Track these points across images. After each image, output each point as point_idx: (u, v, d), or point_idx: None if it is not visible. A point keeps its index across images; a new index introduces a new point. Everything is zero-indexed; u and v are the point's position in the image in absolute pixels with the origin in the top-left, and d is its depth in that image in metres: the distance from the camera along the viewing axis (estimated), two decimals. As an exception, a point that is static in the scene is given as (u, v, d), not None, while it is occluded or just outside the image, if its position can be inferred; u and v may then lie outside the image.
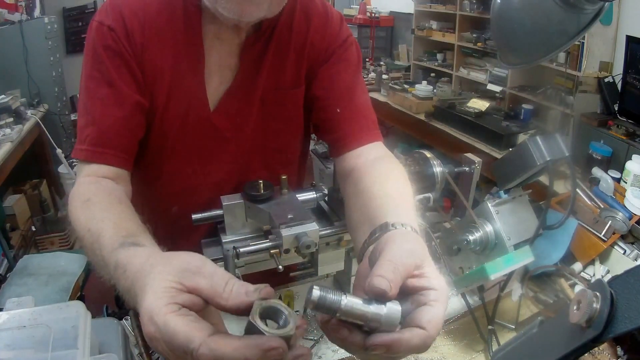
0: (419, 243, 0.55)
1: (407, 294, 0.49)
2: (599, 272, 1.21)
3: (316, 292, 0.43)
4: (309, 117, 0.97)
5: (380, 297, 0.45)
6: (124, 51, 0.78)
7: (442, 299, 0.48)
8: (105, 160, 0.78)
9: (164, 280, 0.45)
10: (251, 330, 0.42)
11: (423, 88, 3.62)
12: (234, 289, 0.44)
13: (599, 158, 2.42)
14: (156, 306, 0.43)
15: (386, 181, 0.74)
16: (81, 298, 2.00)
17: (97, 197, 0.70)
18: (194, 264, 0.46)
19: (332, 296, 0.43)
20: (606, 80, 2.71)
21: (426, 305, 0.47)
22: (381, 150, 0.87)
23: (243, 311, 0.43)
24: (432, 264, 0.52)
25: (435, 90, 3.65)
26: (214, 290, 0.44)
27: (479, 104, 3.16)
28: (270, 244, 0.76)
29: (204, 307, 0.45)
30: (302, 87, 0.92)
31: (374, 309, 0.44)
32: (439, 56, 4.24)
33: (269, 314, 0.44)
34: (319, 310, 0.43)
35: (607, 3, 0.82)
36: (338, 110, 0.88)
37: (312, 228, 0.73)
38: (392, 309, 0.45)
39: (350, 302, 0.44)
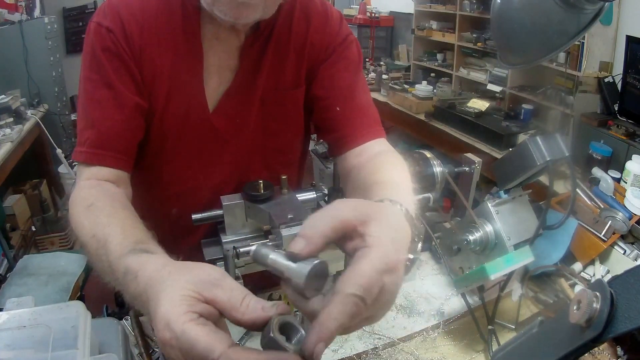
0: (375, 207, 0.51)
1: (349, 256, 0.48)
2: (599, 272, 1.21)
3: (253, 249, 0.47)
4: (309, 117, 0.97)
5: (294, 255, 0.45)
6: (122, 53, 0.78)
7: (374, 256, 0.45)
8: (105, 163, 0.78)
9: (181, 288, 0.45)
10: (270, 345, 0.43)
11: (423, 88, 3.63)
12: (251, 304, 0.44)
13: (599, 158, 2.42)
14: (174, 313, 0.43)
15: (379, 170, 0.74)
16: (81, 298, 2.00)
17: (100, 202, 0.69)
18: (213, 275, 0.47)
19: (263, 251, 0.46)
20: (606, 80, 2.71)
21: (350, 265, 0.45)
22: (382, 146, 0.87)
23: (257, 326, 0.44)
24: (383, 222, 0.48)
25: (435, 90, 3.66)
26: (231, 303, 0.44)
27: (479, 104, 3.16)
28: (270, 244, 0.76)
29: (219, 319, 0.45)
30: (303, 88, 0.92)
31: (288, 265, 0.45)
32: (439, 56, 4.24)
33: (284, 330, 0.44)
34: (258, 264, 0.47)
35: (607, 3, 0.82)
36: (338, 109, 0.88)
37: (312, 228, 0.73)
38: (299, 266, 0.45)
39: (276, 259, 0.46)
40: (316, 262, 0.45)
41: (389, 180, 0.70)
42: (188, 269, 0.48)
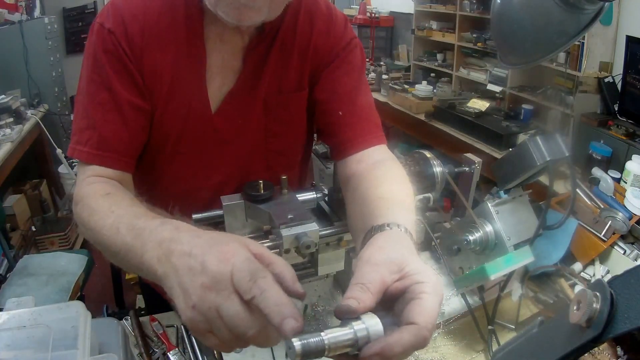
0: (398, 245, 0.56)
1: (394, 299, 0.49)
2: (599, 272, 1.21)
3: (298, 344, 0.42)
4: (312, 120, 0.97)
5: (351, 314, 0.45)
6: (123, 55, 0.78)
7: (430, 290, 0.48)
8: (108, 164, 0.79)
9: (246, 244, 0.49)
10: None
11: (423, 88, 3.62)
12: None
13: (599, 158, 2.42)
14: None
15: (381, 185, 0.75)
16: (81, 298, 2.00)
17: (118, 192, 0.72)
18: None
19: (313, 339, 0.43)
20: (606, 80, 2.71)
21: (413, 299, 0.47)
22: (382, 154, 0.86)
23: (298, 296, 0.46)
24: (416, 260, 0.52)
25: (435, 90, 3.66)
26: (288, 269, 0.48)
27: (479, 104, 3.16)
28: (270, 244, 0.76)
29: None
30: (306, 91, 0.91)
31: (357, 327, 0.44)
32: (439, 56, 4.24)
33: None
34: (308, 358, 0.43)
35: (607, 3, 0.82)
36: (340, 114, 0.88)
37: (312, 228, 0.73)
38: (371, 320, 0.45)
39: (333, 335, 0.43)
40: (376, 316, 0.46)
41: (389, 198, 0.70)
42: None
